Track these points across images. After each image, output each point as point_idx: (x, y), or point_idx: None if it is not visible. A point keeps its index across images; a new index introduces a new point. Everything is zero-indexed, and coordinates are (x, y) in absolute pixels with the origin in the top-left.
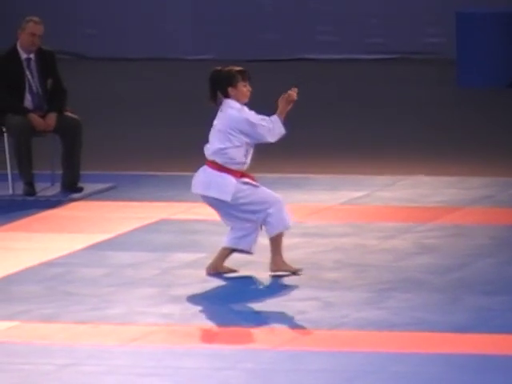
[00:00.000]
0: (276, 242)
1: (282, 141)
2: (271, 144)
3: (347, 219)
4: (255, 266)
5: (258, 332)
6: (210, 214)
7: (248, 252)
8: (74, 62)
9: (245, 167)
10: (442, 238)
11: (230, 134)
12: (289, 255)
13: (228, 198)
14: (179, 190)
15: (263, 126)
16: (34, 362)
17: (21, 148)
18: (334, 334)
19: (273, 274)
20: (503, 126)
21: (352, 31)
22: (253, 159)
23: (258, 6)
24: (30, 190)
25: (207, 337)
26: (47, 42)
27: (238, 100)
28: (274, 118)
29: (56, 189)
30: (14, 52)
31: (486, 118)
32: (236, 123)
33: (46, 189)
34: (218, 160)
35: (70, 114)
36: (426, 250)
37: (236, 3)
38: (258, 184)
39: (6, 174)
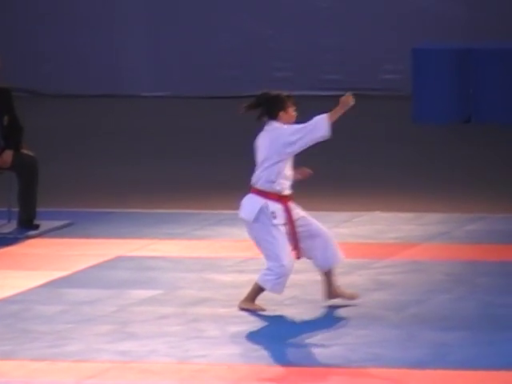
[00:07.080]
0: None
1: (236, 179)
2: (224, 181)
3: None
4: (213, 303)
5: (214, 368)
6: (166, 251)
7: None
8: (30, 99)
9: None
10: (399, 274)
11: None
12: (246, 291)
13: None
14: (135, 226)
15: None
16: None
17: None
18: (289, 370)
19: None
20: (459, 163)
21: (308, 67)
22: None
23: (214, 42)
24: None
25: (164, 374)
26: (3, 79)
27: (284, 123)
28: (320, 117)
29: (12, 226)
30: None
31: (441, 155)
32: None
33: (3, 226)
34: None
35: (26, 152)
36: (383, 286)
37: (192, 40)
38: None
39: None
